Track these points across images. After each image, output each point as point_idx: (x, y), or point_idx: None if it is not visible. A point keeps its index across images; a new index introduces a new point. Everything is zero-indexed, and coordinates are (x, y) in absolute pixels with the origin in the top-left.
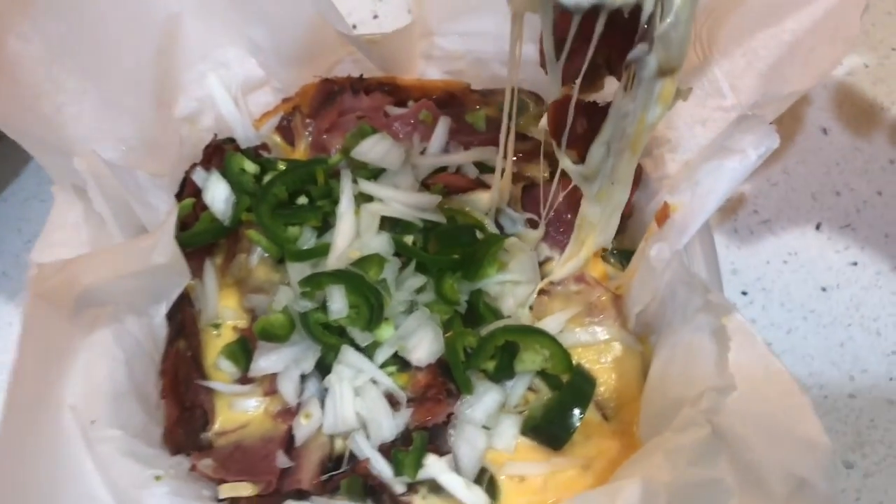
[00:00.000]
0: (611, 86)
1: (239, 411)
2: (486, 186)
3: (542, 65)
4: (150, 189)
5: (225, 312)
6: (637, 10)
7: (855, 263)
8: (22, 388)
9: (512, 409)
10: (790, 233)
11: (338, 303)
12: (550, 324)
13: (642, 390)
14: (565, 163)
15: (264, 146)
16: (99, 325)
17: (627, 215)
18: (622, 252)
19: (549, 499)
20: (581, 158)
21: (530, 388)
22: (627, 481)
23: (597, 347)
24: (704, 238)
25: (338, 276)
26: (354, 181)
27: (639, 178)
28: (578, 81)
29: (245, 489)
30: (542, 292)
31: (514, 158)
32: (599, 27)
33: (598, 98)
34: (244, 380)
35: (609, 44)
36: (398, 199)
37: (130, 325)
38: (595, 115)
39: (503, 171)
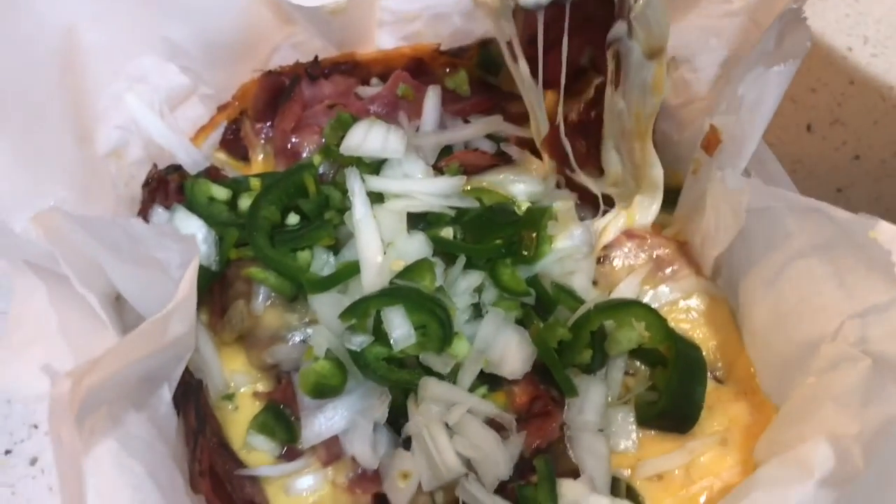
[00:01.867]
0: None
1: (297, 495)
2: (509, 161)
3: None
4: (153, 240)
5: (235, 378)
6: None
7: None
8: None
9: (616, 402)
10: None
11: (400, 328)
12: (625, 291)
13: (743, 341)
14: (590, 184)
15: (214, 169)
16: (99, 437)
17: None
18: None
19: (698, 491)
20: (600, 171)
21: (626, 372)
22: (812, 444)
23: (680, 306)
24: (763, 153)
25: (391, 294)
26: (362, 180)
27: None
28: (562, 93)
29: None
30: (598, 262)
31: None
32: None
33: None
34: (290, 454)
35: (589, 40)
36: (419, 190)
37: (133, 425)
38: (590, 130)
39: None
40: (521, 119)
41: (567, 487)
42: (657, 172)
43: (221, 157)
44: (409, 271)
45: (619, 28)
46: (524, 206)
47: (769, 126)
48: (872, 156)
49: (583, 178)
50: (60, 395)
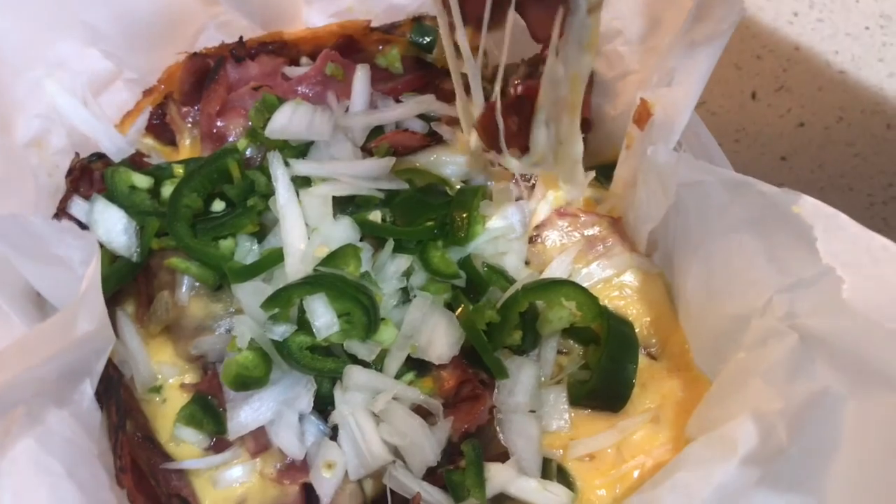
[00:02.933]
0: None
1: (226, 487)
2: (441, 141)
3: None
4: (53, 237)
5: (162, 370)
6: None
7: None
8: None
9: (549, 381)
10: None
11: (323, 316)
12: (556, 271)
13: (678, 316)
14: (512, 164)
15: (138, 155)
16: (16, 437)
17: (587, 130)
18: (595, 169)
19: (629, 470)
20: (523, 149)
21: (559, 351)
22: (738, 422)
23: (614, 283)
24: (696, 125)
25: (313, 282)
26: (286, 164)
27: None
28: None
29: None
30: (530, 241)
31: None
32: None
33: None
34: (218, 445)
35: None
36: (346, 173)
37: (54, 422)
38: (523, 106)
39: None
40: (454, 97)
41: (495, 471)
42: (578, 149)
43: (149, 143)
44: (333, 258)
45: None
46: (457, 186)
47: (713, 94)
48: (817, 122)
49: (508, 159)
50: None
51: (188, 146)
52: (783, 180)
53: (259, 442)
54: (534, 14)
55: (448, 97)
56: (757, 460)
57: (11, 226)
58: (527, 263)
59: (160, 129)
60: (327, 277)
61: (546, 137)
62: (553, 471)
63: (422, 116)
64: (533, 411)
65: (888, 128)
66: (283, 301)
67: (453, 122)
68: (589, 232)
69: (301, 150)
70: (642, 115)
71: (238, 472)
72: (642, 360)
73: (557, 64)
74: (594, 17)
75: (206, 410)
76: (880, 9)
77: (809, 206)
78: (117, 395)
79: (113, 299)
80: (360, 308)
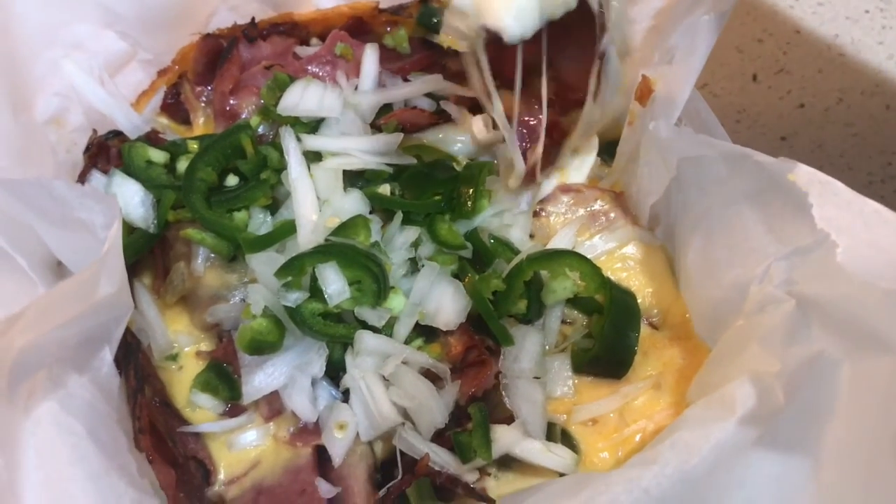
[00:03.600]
0: None
1: (240, 449)
2: (448, 119)
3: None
4: (75, 201)
5: (178, 339)
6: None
7: None
8: None
9: (553, 350)
10: None
11: (335, 283)
12: (559, 243)
13: (679, 286)
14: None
15: (153, 133)
16: (39, 399)
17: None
18: (599, 146)
19: (632, 434)
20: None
21: (563, 321)
22: (736, 383)
23: (616, 255)
24: (696, 102)
25: (324, 251)
26: (297, 139)
27: None
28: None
29: None
30: (534, 215)
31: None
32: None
33: None
34: (233, 411)
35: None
36: (356, 148)
37: (75, 386)
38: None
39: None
40: (461, 77)
41: (501, 432)
42: (592, 141)
43: (163, 122)
44: (344, 228)
45: (606, 39)
46: (463, 162)
47: (715, 76)
48: (816, 104)
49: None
50: None
51: (202, 125)
52: None
53: (272, 407)
54: (567, 70)
55: (454, 76)
56: (754, 420)
57: (35, 190)
58: (531, 237)
59: (174, 108)
60: (338, 246)
61: (570, 158)
62: (557, 434)
63: (429, 95)
64: (538, 378)
65: (887, 108)
66: (297, 269)
67: (461, 100)
68: (592, 206)
69: (312, 126)
70: (644, 92)
71: (252, 436)
72: (644, 329)
73: (596, 108)
74: (625, 64)
75: (221, 377)
76: None
77: (804, 174)
78: (136, 360)
79: (131, 271)
80: (371, 276)
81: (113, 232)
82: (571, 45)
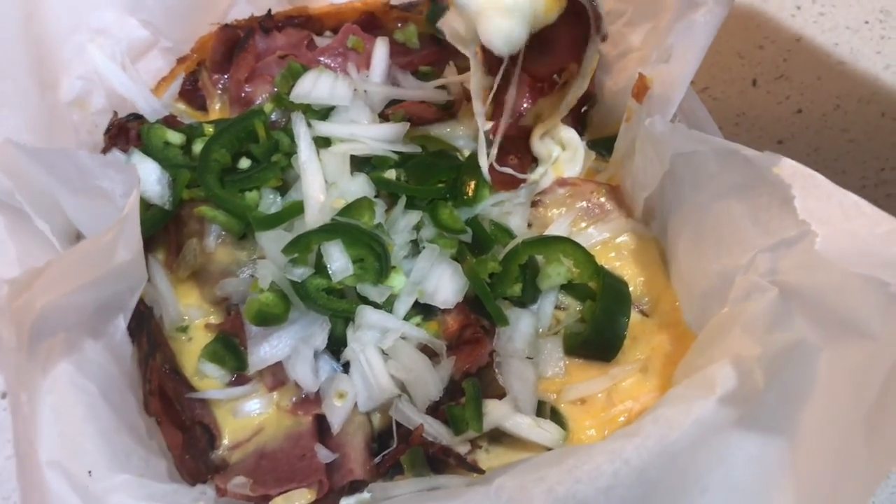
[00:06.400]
0: None
1: (244, 417)
2: (454, 116)
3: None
4: (97, 170)
5: (189, 312)
6: None
7: None
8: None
9: (547, 332)
10: None
11: (338, 260)
12: (556, 231)
13: (670, 277)
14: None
15: (171, 117)
16: (56, 360)
17: (591, 105)
18: (598, 142)
19: (618, 413)
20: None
21: (557, 306)
22: (718, 365)
23: (610, 245)
24: (692, 101)
25: (330, 230)
26: (308, 125)
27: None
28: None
29: (301, 497)
30: (532, 205)
31: None
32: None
33: None
34: (238, 380)
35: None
36: (364, 135)
37: (90, 351)
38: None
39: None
40: (468, 72)
41: (492, 406)
42: (571, 135)
43: (181, 107)
44: (350, 209)
45: (597, 42)
46: (466, 153)
47: (716, 81)
48: (814, 109)
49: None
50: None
51: (218, 111)
52: None
53: (276, 378)
54: (537, 64)
55: (462, 72)
56: (734, 401)
57: (59, 158)
58: (529, 226)
59: (192, 94)
60: (343, 226)
61: (542, 144)
62: (547, 412)
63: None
64: (530, 358)
65: (882, 116)
66: (303, 246)
67: (467, 97)
68: (588, 198)
69: (323, 114)
70: (640, 90)
71: (256, 404)
72: (634, 316)
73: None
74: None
75: (228, 348)
76: (881, 4)
77: (788, 168)
78: (148, 327)
79: (146, 246)
80: (373, 255)
81: (132, 200)
82: (551, 41)
